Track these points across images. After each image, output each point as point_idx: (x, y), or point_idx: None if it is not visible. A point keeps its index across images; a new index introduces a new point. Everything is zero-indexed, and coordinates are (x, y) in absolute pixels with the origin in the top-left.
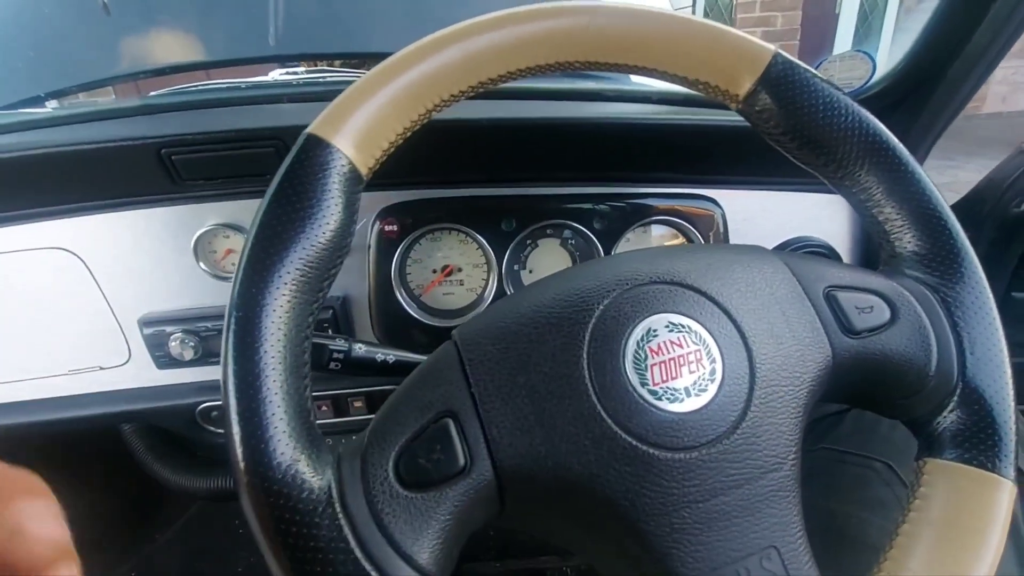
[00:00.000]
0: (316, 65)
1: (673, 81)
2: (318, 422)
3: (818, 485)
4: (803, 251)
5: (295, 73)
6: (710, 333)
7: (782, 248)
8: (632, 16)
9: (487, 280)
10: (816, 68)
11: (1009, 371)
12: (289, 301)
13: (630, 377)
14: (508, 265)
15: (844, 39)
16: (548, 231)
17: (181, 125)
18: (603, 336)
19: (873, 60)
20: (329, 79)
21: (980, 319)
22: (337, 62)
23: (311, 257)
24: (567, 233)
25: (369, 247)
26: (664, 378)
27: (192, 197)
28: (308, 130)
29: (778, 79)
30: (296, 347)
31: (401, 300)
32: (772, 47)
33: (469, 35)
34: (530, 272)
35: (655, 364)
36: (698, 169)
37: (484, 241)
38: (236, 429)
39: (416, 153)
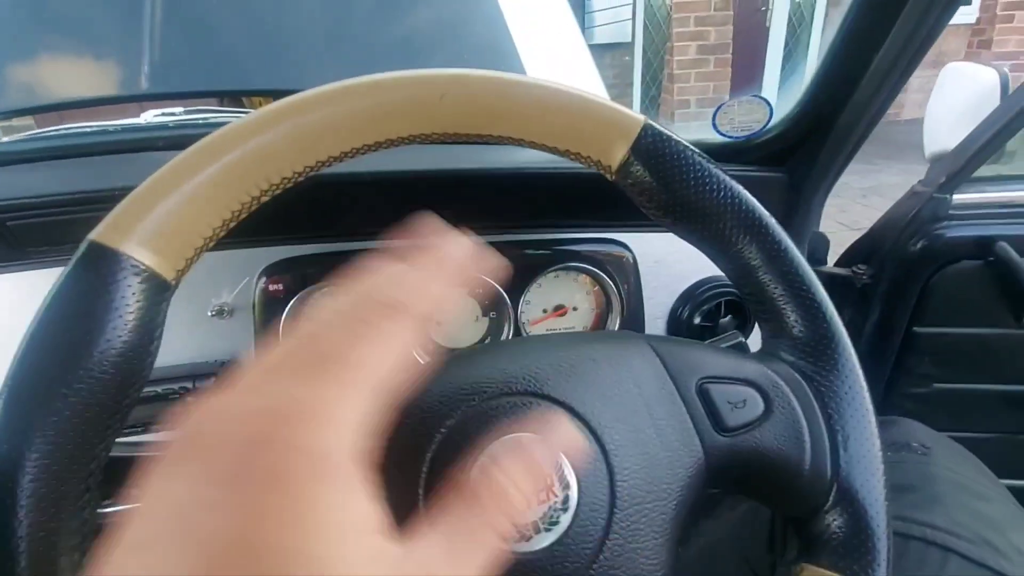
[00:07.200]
0: (195, 105)
1: (546, 151)
2: None
3: None
4: (711, 292)
5: (172, 114)
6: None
7: (694, 289)
8: (494, 86)
9: None
10: (715, 114)
11: (882, 469)
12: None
13: None
14: None
15: (775, 52)
16: None
17: (19, 185)
18: (441, 466)
19: (770, 105)
20: (211, 120)
21: (853, 411)
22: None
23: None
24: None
25: (254, 307)
26: None
27: (39, 263)
28: (91, 236)
29: (648, 151)
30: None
31: None
32: (643, 118)
33: (301, 111)
34: (436, 325)
35: None
36: (604, 214)
37: None
38: None
39: (299, 208)
